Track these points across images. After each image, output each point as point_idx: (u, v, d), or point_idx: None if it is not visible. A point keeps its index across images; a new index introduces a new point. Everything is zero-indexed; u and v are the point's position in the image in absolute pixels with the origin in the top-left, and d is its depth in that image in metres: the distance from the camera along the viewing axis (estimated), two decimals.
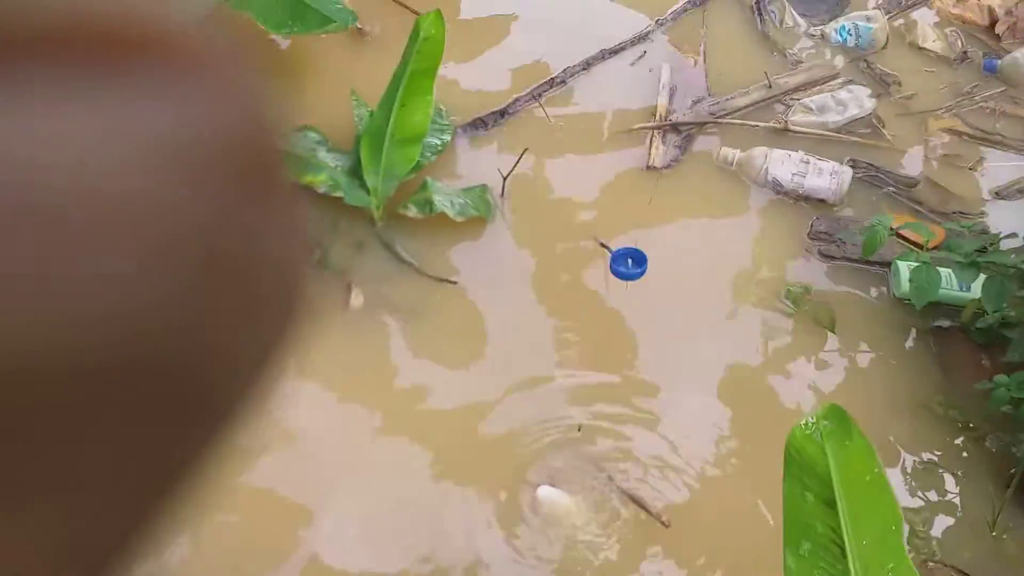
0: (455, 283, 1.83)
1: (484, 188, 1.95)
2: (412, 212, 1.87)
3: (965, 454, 1.72)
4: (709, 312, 1.86)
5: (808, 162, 2.00)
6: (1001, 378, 1.63)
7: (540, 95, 2.14)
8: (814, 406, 1.73)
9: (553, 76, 2.17)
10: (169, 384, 0.13)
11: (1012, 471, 1.65)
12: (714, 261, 1.93)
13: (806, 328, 1.85)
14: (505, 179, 1.93)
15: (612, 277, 1.78)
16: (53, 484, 0.12)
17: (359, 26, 2.20)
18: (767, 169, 2.00)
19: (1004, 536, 1.63)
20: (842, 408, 1.08)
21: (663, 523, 1.54)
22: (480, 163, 2.02)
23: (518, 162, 1.94)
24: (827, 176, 1.98)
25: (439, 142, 2.01)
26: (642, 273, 1.63)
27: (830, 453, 1.05)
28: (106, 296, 0.12)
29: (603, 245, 1.90)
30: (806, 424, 1.07)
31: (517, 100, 2.12)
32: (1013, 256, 1.73)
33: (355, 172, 1.89)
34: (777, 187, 2.00)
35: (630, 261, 1.50)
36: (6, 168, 0.11)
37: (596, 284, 1.85)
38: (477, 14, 2.31)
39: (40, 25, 0.12)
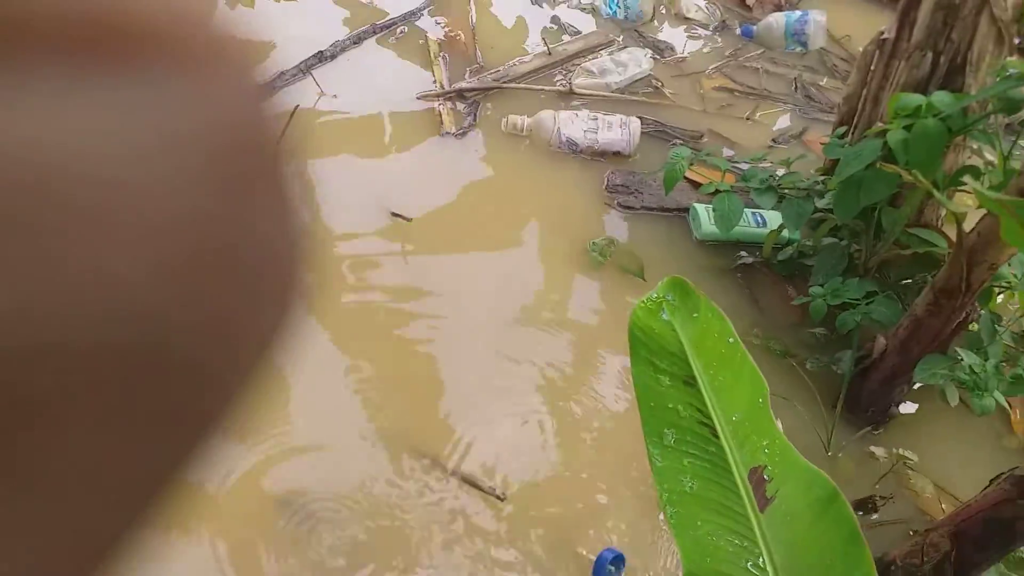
0: None
1: None
2: None
3: (790, 380, 1.67)
4: (518, 274, 1.71)
5: (596, 118, 1.95)
6: (816, 289, 1.61)
7: (309, 68, 1.94)
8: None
9: (322, 50, 1.98)
10: (167, 372, 0.13)
11: (838, 392, 1.62)
12: (516, 222, 1.79)
13: (614, 278, 1.75)
14: (278, 143, 1.69)
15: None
16: (43, 471, 0.12)
17: None
18: (559, 130, 1.91)
19: (840, 455, 1.58)
20: (684, 279, 0.94)
21: (498, 497, 1.33)
22: None
23: (290, 120, 1.70)
24: (617, 128, 1.93)
25: None
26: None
27: (679, 328, 0.91)
28: (104, 280, 0.11)
29: (398, 215, 1.71)
30: (647, 301, 0.92)
31: (283, 73, 1.90)
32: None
33: None
34: (572, 146, 1.92)
35: (612, 569, 1.27)
36: (7, 147, 0.11)
37: (394, 251, 1.65)
38: None
39: (39, 15, 0.11)
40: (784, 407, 1.61)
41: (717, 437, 0.86)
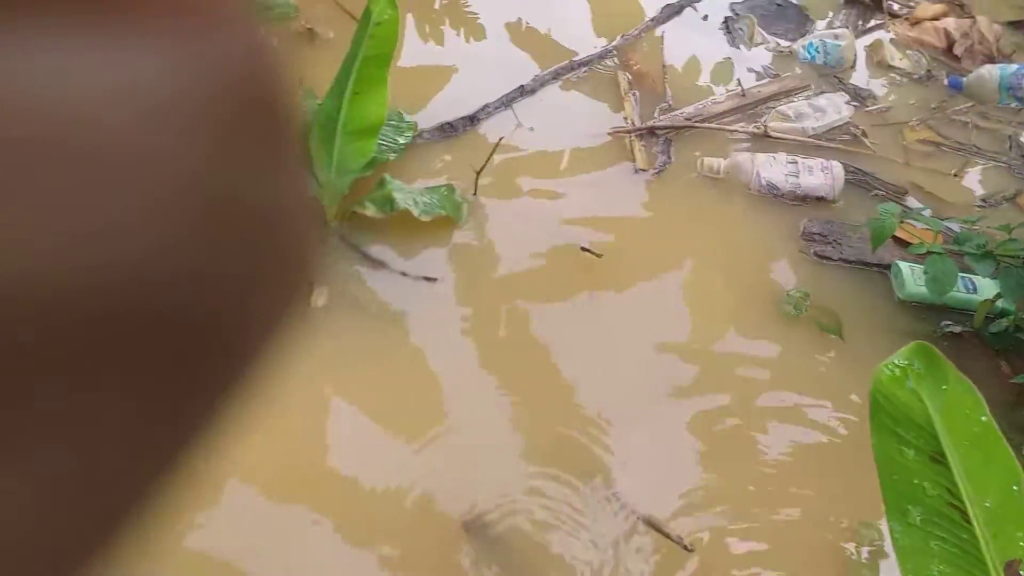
0: (435, 280, 1.61)
1: (451, 187, 1.75)
2: (370, 211, 1.65)
3: None
4: (702, 317, 1.67)
5: (795, 162, 1.89)
6: None
7: (511, 102, 1.99)
8: (833, 419, 1.54)
9: (524, 84, 2.03)
10: (177, 335, 0.12)
11: None
12: (705, 264, 1.75)
13: (808, 334, 1.67)
14: (478, 174, 1.74)
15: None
16: (53, 436, 0.11)
17: (309, 27, 2.04)
18: (758, 173, 1.86)
19: None
20: (930, 346, 0.88)
21: (686, 548, 1.29)
22: (446, 166, 1.83)
23: (493, 153, 1.76)
24: (819, 172, 1.87)
25: (399, 142, 1.81)
26: None
27: (927, 399, 0.85)
28: (107, 236, 0.11)
29: (587, 250, 1.71)
30: (891, 365, 0.87)
31: (487, 106, 1.96)
32: None
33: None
34: (773, 190, 1.87)
35: None
36: (3, 106, 0.10)
37: (582, 285, 1.65)
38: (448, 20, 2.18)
39: None
40: None
41: (968, 523, 0.79)
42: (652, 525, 1.29)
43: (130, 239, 0.11)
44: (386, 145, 1.77)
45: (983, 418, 0.85)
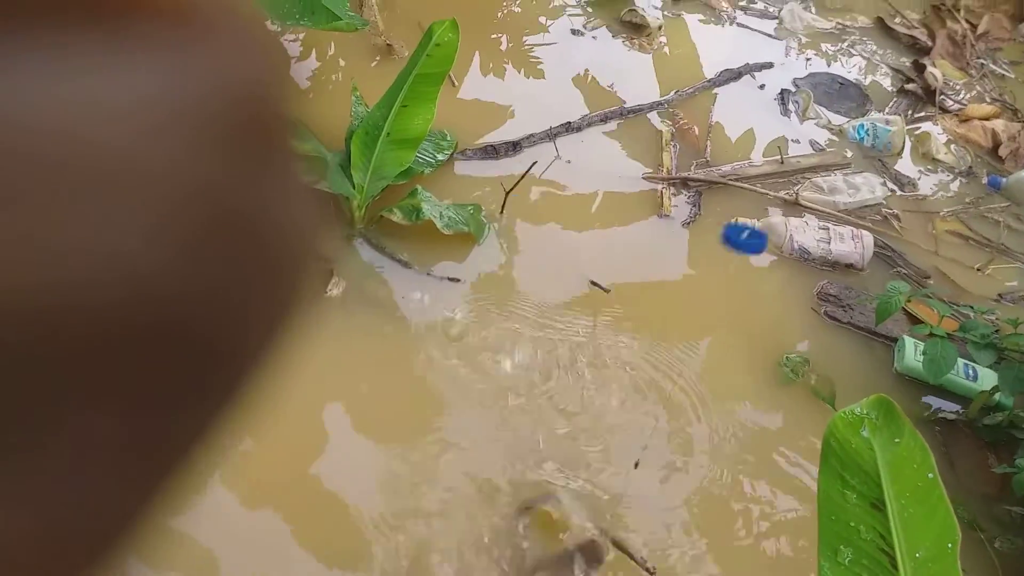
0: (459, 280, 1.68)
1: (478, 207, 1.83)
2: (397, 216, 1.73)
3: (975, 555, 1.53)
4: (700, 366, 1.70)
5: (827, 228, 1.93)
6: (1023, 461, 1.48)
7: (555, 135, 2.07)
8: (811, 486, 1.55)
9: (571, 120, 2.11)
10: (179, 348, 0.12)
11: None
12: (714, 315, 1.79)
13: (801, 400, 1.69)
14: (508, 193, 1.81)
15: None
16: (55, 450, 0.11)
17: (388, 43, 2.15)
18: (791, 237, 1.91)
19: None
20: (891, 400, 0.92)
21: (648, 570, 1.31)
22: (477, 188, 1.91)
23: (525, 174, 1.83)
24: (849, 240, 1.90)
25: (437, 158, 1.89)
26: (760, 246, 1.44)
27: (878, 449, 0.88)
28: (110, 255, 0.11)
29: (596, 285, 1.77)
30: (849, 413, 0.90)
31: (532, 136, 2.04)
32: None
33: (343, 167, 1.76)
34: (804, 254, 1.91)
35: (746, 233, 1.32)
36: (2, 121, 0.10)
37: (586, 320, 1.70)
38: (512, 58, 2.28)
39: None
40: None
41: (896, 570, 0.82)
42: (619, 546, 1.32)
43: (133, 256, 0.11)
44: (424, 159, 1.85)
45: (930, 475, 0.87)
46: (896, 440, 0.88)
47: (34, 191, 0.10)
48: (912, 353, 1.72)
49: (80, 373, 0.11)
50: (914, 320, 1.81)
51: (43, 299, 0.11)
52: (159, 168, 0.12)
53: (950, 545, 0.84)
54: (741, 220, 1.56)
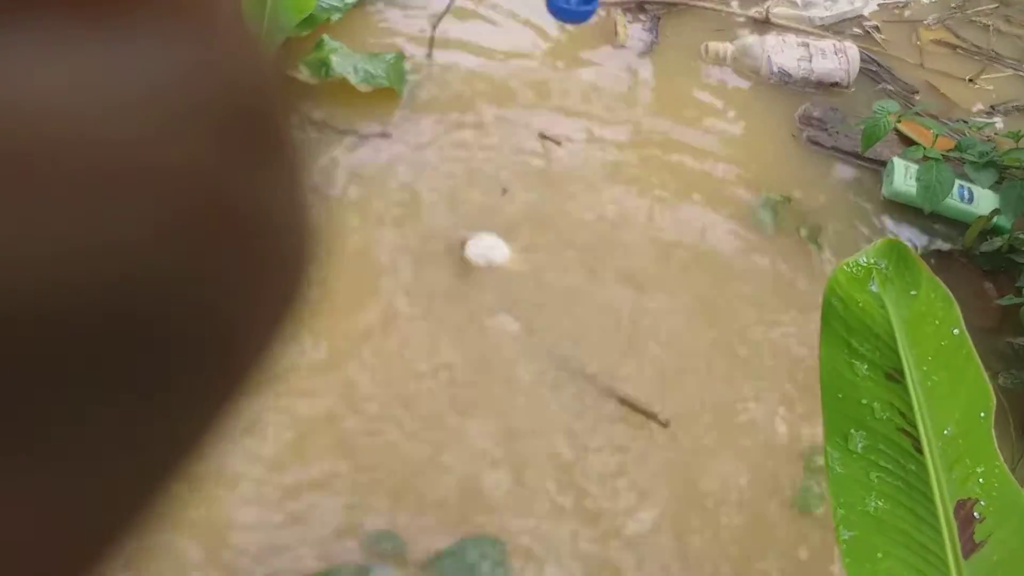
0: (389, 136, 1.46)
1: (399, 56, 1.56)
2: (304, 74, 1.48)
3: None
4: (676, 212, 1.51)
5: (806, 44, 1.69)
6: None
7: None
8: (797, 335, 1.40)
9: None
10: (180, 348, 0.12)
11: None
12: (693, 151, 1.58)
13: (785, 243, 1.52)
14: (433, 30, 1.55)
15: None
16: (55, 450, 0.11)
17: None
18: (769, 58, 1.67)
19: None
20: (903, 244, 0.73)
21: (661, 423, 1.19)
22: (397, 32, 1.64)
23: (450, 7, 1.56)
24: (832, 56, 1.68)
25: (345, 1, 1.61)
26: (590, 12, 1.23)
27: (891, 306, 0.70)
28: (105, 253, 0.11)
29: (547, 138, 1.54)
30: (853, 264, 0.72)
31: None
32: None
33: None
34: (785, 77, 1.68)
35: None
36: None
37: (535, 169, 1.49)
38: None
39: None
40: None
41: (920, 452, 0.66)
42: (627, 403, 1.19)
43: (136, 254, 0.11)
44: (330, 2, 1.57)
45: (955, 331, 0.70)
46: (912, 292, 0.71)
47: (31, 186, 0.10)
48: (902, 177, 1.53)
49: (80, 372, 0.11)
50: (907, 141, 1.61)
51: (42, 298, 0.10)
52: (160, 165, 0.11)
53: (983, 414, 0.68)
54: None
